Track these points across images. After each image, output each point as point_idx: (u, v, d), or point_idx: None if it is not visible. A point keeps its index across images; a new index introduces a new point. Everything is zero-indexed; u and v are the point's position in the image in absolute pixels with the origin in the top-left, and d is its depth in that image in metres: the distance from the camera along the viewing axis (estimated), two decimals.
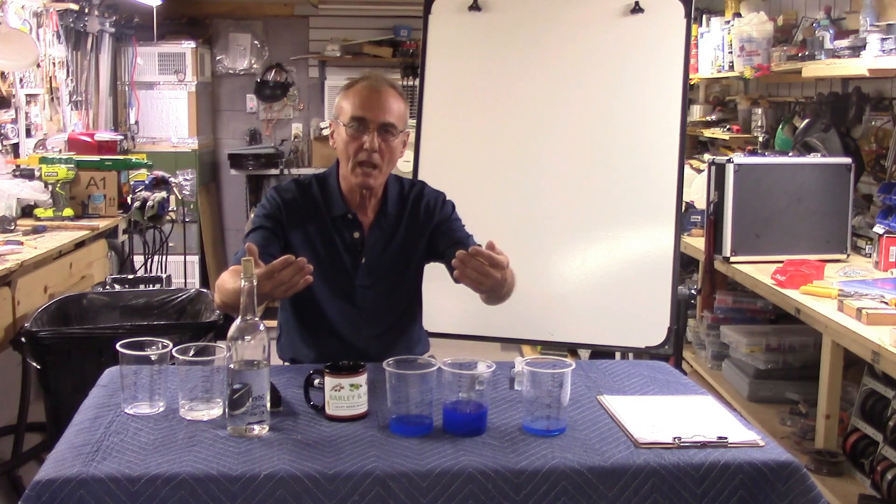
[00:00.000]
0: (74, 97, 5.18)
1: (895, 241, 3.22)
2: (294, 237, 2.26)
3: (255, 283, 1.69)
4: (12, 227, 3.70)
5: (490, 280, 1.88)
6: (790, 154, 3.90)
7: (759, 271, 3.31)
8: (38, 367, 2.84)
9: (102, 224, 4.02)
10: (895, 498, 2.66)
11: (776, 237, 3.47)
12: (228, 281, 2.07)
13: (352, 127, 2.19)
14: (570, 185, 2.92)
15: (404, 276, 2.33)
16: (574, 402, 1.84)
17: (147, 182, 4.67)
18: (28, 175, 4.05)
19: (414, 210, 2.33)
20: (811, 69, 3.67)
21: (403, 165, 3.02)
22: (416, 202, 2.34)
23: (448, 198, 2.39)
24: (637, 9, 2.85)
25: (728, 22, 4.74)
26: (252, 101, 6.69)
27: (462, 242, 2.28)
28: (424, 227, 2.32)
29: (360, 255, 2.28)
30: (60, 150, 4.66)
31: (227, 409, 1.69)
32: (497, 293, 2.14)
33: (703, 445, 1.65)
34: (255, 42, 6.60)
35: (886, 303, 2.65)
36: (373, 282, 2.29)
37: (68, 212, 4.03)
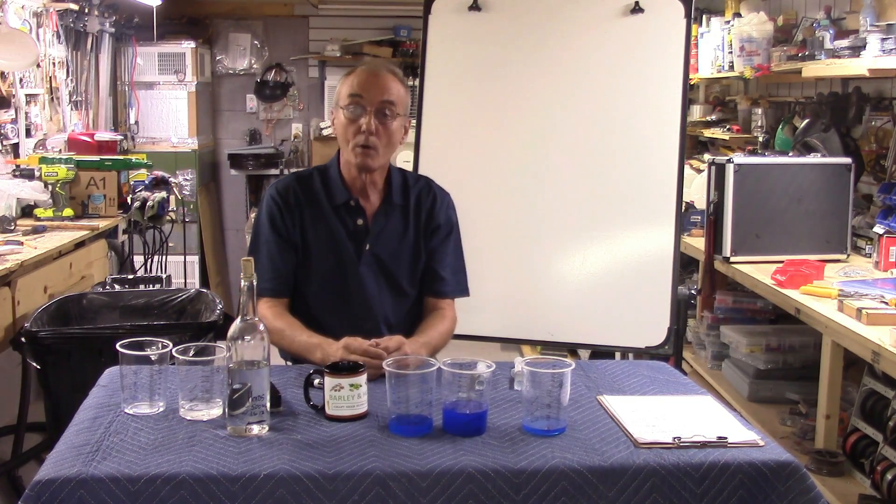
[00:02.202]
0: (74, 97, 5.18)
1: (895, 241, 3.22)
2: (296, 232, 2.26)
3: (255, 284, 1.70)
4: (12, 227, 3.70)
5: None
6: (790, 154, 3.90)
7: (759, 271, 3.31)
8: (38, 367, 2.84)
9: (102, 224, 4.02)
10: (895, 498, 2.66)
11: (776, 237, 3.47)
12: (287, 333, 2.15)
13: (349, 109, 2.19)
14: (570, 185, 2.92)
15: (410, 268, 2.32)
16: (574, 402, 1.84)
17: (147, 182, 4.68)
18: (28, 175, 4.05)
19: (420, 203, 2.32)
20: (811, 69, 3.67)
21: (404, 165, 3.02)
22: (423, 196, 2.33)
23: (453, 202, 2.39)
24: (637, 9, 2.85)
25: (728, 22, 4.74)
26: (252, 101, 6.70)
27: (435, 273, 2.31)
28: (427, 224, 2.32)
29: (364, 242, 2.27)
30: (60, 150, 4.66)
31: (227, 409, 1.69)
32: None
33: (703, 445, 1.65)
34: (255, 42, 6.60)
35: (886, 303, 2.65)
36: (377, 270, 2.27)
37: (68, 212, 4.03)
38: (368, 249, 2.27)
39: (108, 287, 3.59)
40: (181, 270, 5.69)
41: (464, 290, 2.40)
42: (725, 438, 1.67)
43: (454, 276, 2.36)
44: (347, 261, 2.26)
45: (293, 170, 6.25)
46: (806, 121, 3.97)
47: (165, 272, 4.79)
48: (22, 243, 3.42)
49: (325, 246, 2.26)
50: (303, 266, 2.26)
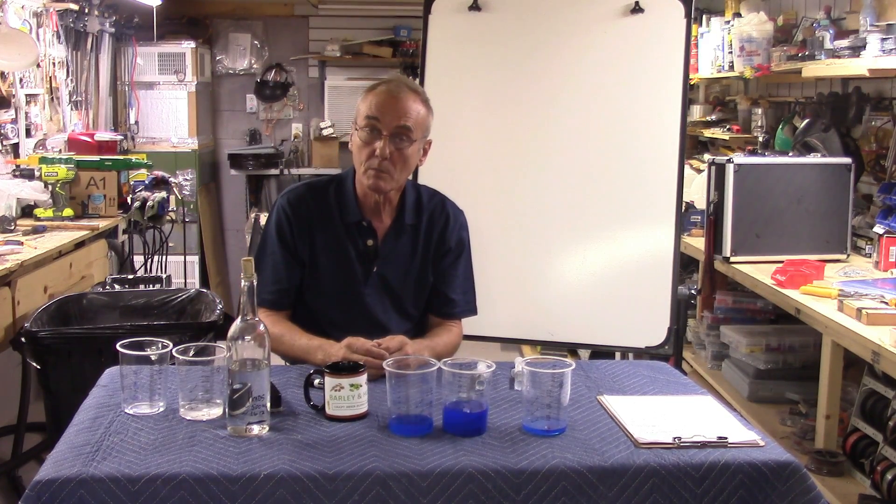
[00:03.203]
0: (74, 97, 5.18)
1: (895, 241, 3.22)
2: (304, 247, 2.23)
3: (255, 284, 1.70)
4: (12, 227, 3.70)
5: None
6: (790, 154, 3.90)
7: (759, 271, 3.31)
8: (38, 367, 2.84)
9: (102, 224, 4.02)
10: (895, 498, 2.66)
11: (776, 237, 3.47)
12: (287, 338, 2.15)
13: (365, 131, 2.15)
14: (570, 185, 2.92)
15: (416, 291, 2.30)
16: (574, 402, 1.84)
17: (147, 182, 4.67)
18: (28, 175, 4.05)
19: (432, 224, 2.29)
20: (811, 69, 3.67)
21: None
22: (435, 216, 2.30)
23: (466, 222, 2.37)
24: (637, 9, 2.85)
25: (728, 22, 4.74)
26: (252, 101, 6.70)
27: (444, 294, 2.30)
28: (438, 246, 2.29)
29: (373, 264, 2.25)
30: (60, 150, 4.66)
31: (227, 409, 1.69)
32: None
33: (703, 445, 1.65)
34: (255, 42, 6.60)
35: (886, 303, 2.65)
36: (383, 291, 2.26)
37: (68, 212, 4.03)
38: (376, 271, 2.25)
39: (108, 287, 3.59)
40: (181, 270, 5.69)
41: (472, 309, 2.39)
42: (725, 438, 1.67)
43: (464, 297, 2.35)
44: (354, 281, 2.24)
45: (293, 170, 6.31)
46: (806, 121, 3.97)
47: (165, 272, 4.79)
48: (22, 243, 3.42)
49: (333, 264, 2.24)
50: (311, 281, 2.25)
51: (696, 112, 5.35)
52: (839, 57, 3.45)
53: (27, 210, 4.04)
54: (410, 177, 2.38)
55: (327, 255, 2.23)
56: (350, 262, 2.23)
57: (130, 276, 3.88)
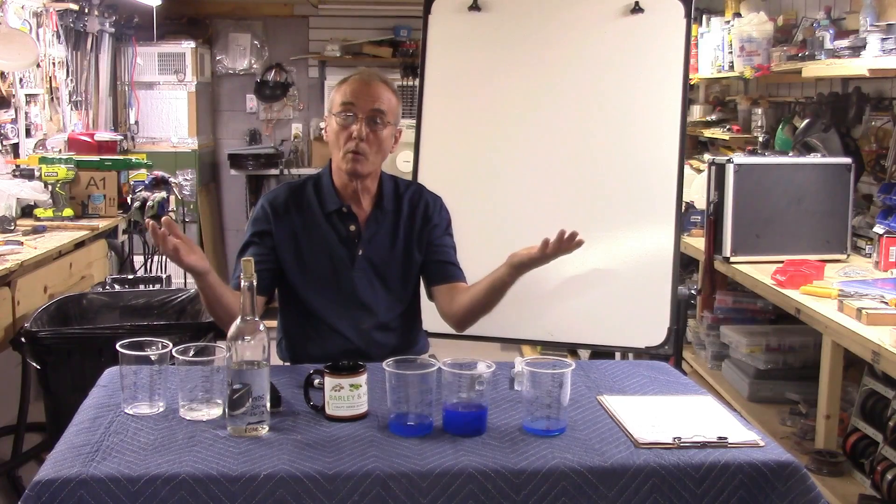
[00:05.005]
0: (74, 97, 5.19)
1: (895, 241, 3.22)
2: (286, 240, 2.28)
3: (254, 283, 1.70)
4: (12, 227, 3.70)
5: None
6: (790, 154, 3.90)
7: (759, 271, 3.30)
8: (38, 367, 2.84)
9: (102, 224, 4.03)
10: (895, 498, 2.66)
11: (776, 237, 3.46)
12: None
13: (341, 116, 2.22)
14: (569, 185, 2.92)
15: (403, 271, 2.34)
16: (574, 402, 1.84)
17: (147, 182, 4.67)
18: (28, 175, 4.05)
19: (412, 209, 2.34)
20: (811, 69, 3.67)
21: (403, 166, 3.02)
22: (415, 201, 2.35)
23: (445, 205, 2.41)
24: (637, 9, 2.85)
25: (728, 22, 4.74)
26: (252, 101, 6.70)
27: (444, 262, 2.33)
28: (423, 226, 2.34)
29: (357, 248, 2.29)
30: (60, 150, 4.66)
31: (227, 409, 1.69)
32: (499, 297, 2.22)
33: (703, 445, 1.65)
34: (255, 42, 6.60)
35: (886, 303, 2.65)
36: (371, 274, 2.30)
37: (68, 212, 4.03)
38: (361, 254, 2.29)
39: (108, 287, 3.59)
40: (181, 270, 5.65)
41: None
42: (725, 439, 1.67)
43: (460, 269, 2.38)
44: (341, 266, 2.29)
45: (293, 170, 6.31)
46: (806, 121, 3.96)
47: (165, 272, 4.78)
48: (22, 243, 3.42)
49: (319, 252, 2.29)
50: (300, 271, 2.29)
51: (696, 112, 5.34)
52: (839, 57, 3.45)
53: (27, 210, 4.05)
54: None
55: (312, 245, 2.28)
56: (334, 247, 2.28)
57: (130, 276, 3.88)
